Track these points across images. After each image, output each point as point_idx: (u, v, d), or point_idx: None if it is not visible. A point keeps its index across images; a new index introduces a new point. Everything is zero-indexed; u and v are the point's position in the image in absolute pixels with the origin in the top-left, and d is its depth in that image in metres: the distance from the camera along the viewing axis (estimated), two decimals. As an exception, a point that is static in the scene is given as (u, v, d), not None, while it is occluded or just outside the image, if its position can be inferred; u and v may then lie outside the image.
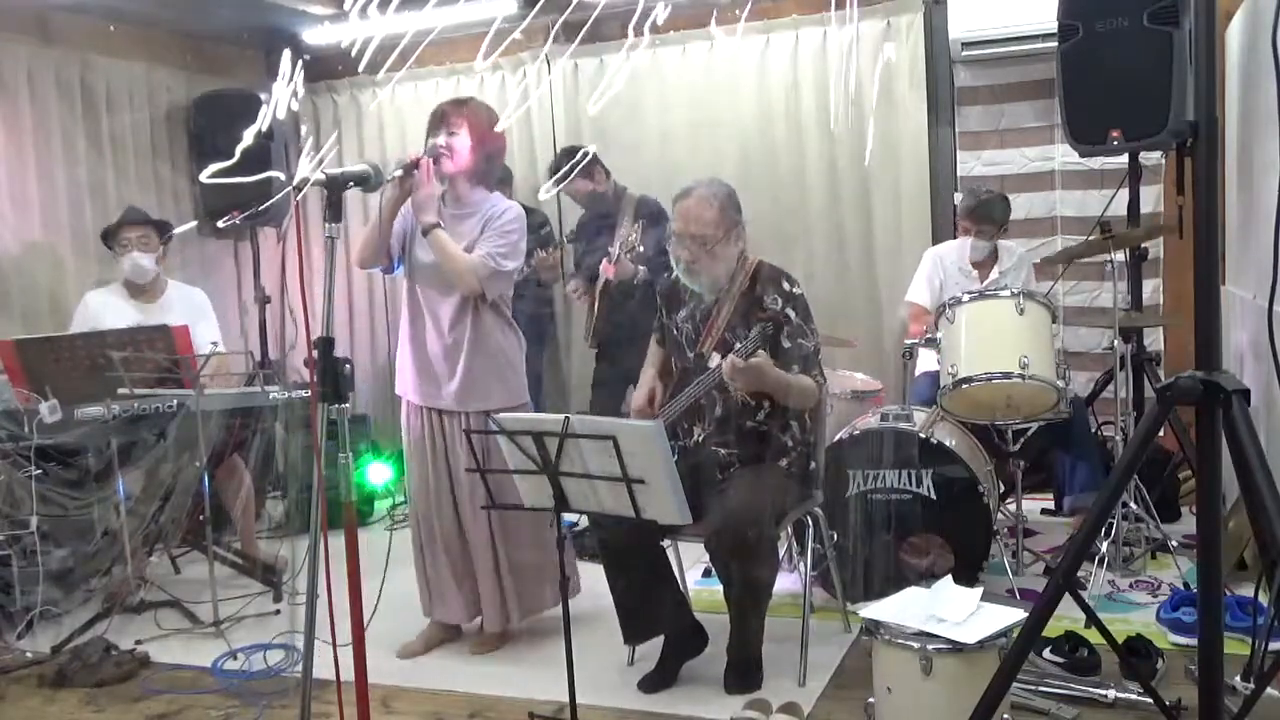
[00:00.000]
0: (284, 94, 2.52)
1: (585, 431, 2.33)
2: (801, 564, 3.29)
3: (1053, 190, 4.86)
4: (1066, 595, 1.78)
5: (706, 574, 3.69)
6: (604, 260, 4.38)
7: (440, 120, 3.15)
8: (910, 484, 3.39)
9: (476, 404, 3.20)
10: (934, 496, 3.38)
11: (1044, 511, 4.39)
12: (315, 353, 2.21)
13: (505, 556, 3.28)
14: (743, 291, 3.07)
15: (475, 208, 3.20)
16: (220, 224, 4.89)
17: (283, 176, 4.81)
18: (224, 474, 4.02)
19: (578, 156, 4.46)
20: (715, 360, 3.04)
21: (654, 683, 2.98)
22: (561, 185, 4.53)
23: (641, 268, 4.32)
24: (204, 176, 2.89)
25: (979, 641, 2.32)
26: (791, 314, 3.01)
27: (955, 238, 4.50)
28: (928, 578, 3.12)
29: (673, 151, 5.18)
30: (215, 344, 4.14)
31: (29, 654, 3.44)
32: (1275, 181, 2.88)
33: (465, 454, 3.16)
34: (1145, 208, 4.29)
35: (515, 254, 3.18)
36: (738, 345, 2.85)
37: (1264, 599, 2.58)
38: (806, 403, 3.04)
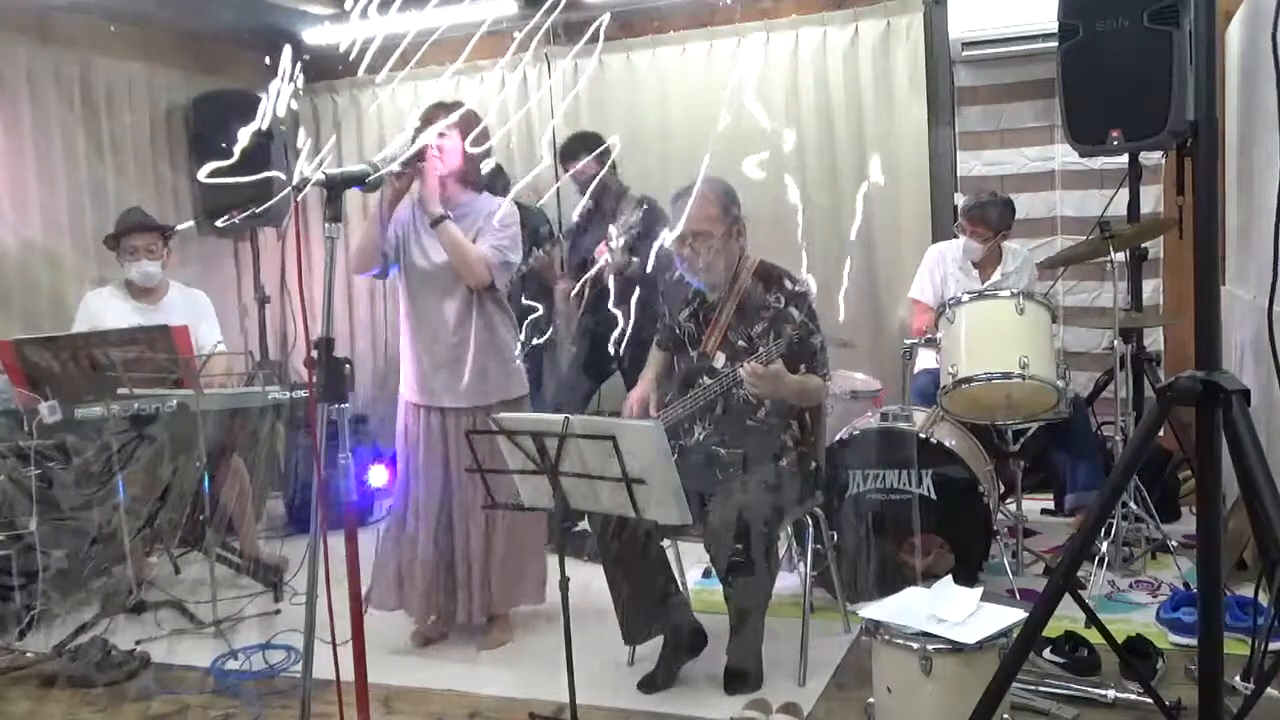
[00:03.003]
0: (283, 92, 2.52)
1: (585, 431, 2.33)
2: (801, 564, 3.29)
3: (1053, 190, 4.85)
4: (1066, 595, 1.78)
5: (706, 574, 3.69)
6: (600, 244, 4.32)
7: (429, 122, 3.17)
8: (910, 484, 3.39)
9: (487, 398, 3.24)
10: (934, 496, 3.37)
11: (1044, 511, 4.38)
12: (315, 353, 2.22)
13: (493, 553, 3.30)
14: (745, 290, 3.08)
15: (466, 208, 3.24)
16: (219, 223, 4.89)
17: (283, 176, 4.81)
18: (224, 474, 4.01)
19: (592, 141, 4.48)
20: (720, 360, 3.05)
21: (654, 683, 2.98)
22: (572, 170, 4.52)
23: (635, 259, 4.28)
24: (201, 175, 2.88)
25: (979, 641, 2.32)
26: (795, 312, 3.01)
27: (956, 236, 4.50)
28: (928, 578, 3.12)
29: (673, 151, 5.18)
30: (219, 343, 4.14)
31: (29, 654, 3.44)
32: (1275, 181, 2.88)
33: (465, 451, 3.16)
34: (1145, 208, 4.28)
35: (515, 247, 3.27)
36: (760, 350, 2.86)
37: (1264, 599, 2.58)
38: (814, 401, 3.07)
